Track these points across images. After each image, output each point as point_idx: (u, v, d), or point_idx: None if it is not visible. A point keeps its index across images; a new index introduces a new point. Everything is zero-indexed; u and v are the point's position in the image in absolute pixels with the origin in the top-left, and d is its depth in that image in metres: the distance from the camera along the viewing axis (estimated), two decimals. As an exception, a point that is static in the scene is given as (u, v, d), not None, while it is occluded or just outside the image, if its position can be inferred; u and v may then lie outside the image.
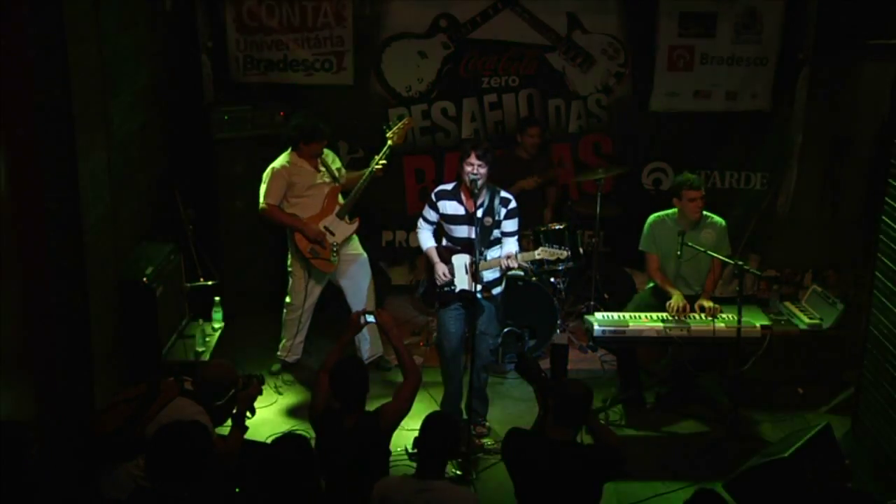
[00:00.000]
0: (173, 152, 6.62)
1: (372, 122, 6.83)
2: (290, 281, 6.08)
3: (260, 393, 4.49)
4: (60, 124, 4.45)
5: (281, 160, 5.88)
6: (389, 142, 5.86)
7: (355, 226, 6.03)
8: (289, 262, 6.06)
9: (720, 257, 5.65)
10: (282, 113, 6.70)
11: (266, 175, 5.86)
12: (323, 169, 5.95)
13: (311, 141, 5.82)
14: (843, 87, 7.09)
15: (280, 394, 5.98)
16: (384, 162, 5.84)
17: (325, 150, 6.00)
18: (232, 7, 6.93)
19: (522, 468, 4.02)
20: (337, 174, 6.03)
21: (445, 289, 5.25)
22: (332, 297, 6.33)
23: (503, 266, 5.15)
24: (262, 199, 5.85)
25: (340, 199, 6.00)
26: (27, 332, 4.38)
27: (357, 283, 6.12)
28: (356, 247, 6.12)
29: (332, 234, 5.93)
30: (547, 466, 3.93)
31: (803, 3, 6.95)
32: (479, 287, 5.05)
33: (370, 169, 5.84)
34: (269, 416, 5.69)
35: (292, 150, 5.89)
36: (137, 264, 5.45)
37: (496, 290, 5.35)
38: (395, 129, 5.90)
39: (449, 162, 7.22)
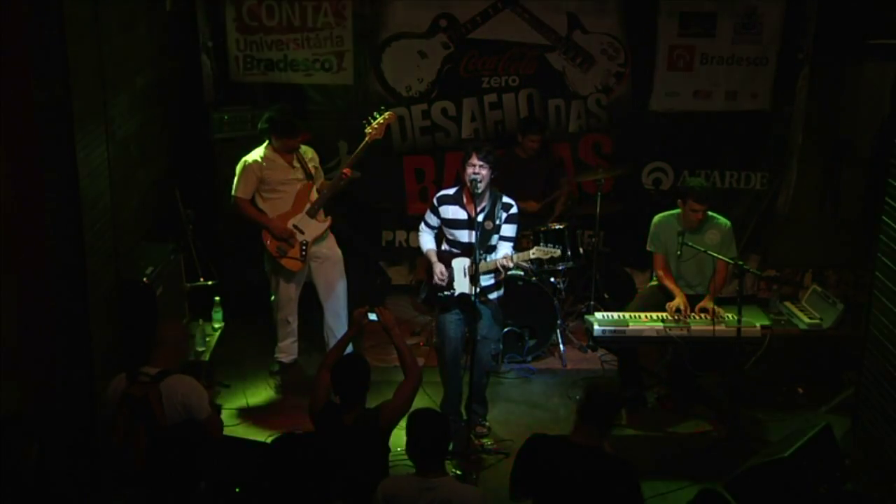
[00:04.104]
0: (173, 152, 6.63)
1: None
2: (270, 280, 6.07)
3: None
4: (60, 124, 4.45)
5: (254, 153, 5.83)
6: (367, 137, 5.79)
7: (326, 224, 5.96)
8: (265, 261, 6.03)
9: (720, 257, 5.65)
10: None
11: (238, 167, 5.83)
12: (297, 165, 5.89)
13: (283, 135, 5.77)
14: (843, 87, 7.09)
15: (278, 393, 5.99)
16: (353, 172, 5.80)
17: (305, 148, 5.95)
18: (232, 7, 6.93)
19: (542, 473, 3.88)
20: (313, 172, 5.97)
21: (445, 293, 5.24)
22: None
23: (500, 266, 5.13)
24: (233, 191, 5.83)
25: (315, 197, 5.92)
26: (27, 332, 4.38)
27: (330, 283, 6.07)
28: (331, 246, 6.06)
29: (302, 232, 5.88)
30: (569, 471, 3.80)
31: (803, 3, 6.95)
32: (477, 290, 5.04)
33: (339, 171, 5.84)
34: (268, 416, 5.69)
35: (267, 143, 5.85)
36: (137, 264, 5.45)
37: (494, 295, 5.34)
38: (374, 123, 5.81)
39: (449, 162, 7.22)
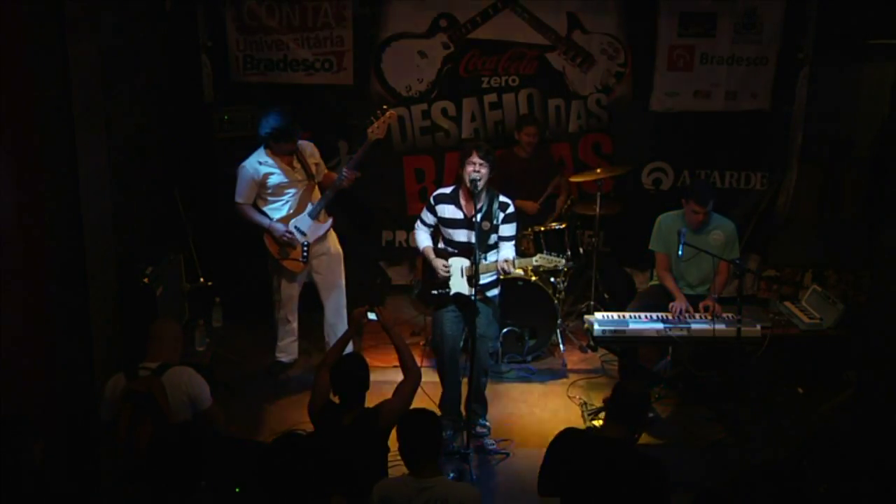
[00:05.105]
0: (173, 152, 6.62)
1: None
2: (272, 279, 6.07)
3: None
4: (60, 124, 4.45)
5: (252, 158, 5.81)
6: (369, 137, 5.76)
7: (328, 224, 5.96)
8: (268, 261, 6.03)
9: (720, 257, 5.64)
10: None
11: (238, 173, 5.82)
12: (298, 166, 5.86)
13: (279, 141, 5.74)
14: (843, 87, 7.09)
15: (278, 393, 5.99)
16: (355, 172, 5.79)
17: (305, 144, 5.92)
18: (232, 7, 6.93)
19: (572, 466, 3.84)
20: (314, 170, 5.95)
21: (441, 291, 5.24)
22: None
23: (500, 270, 5.14)
24: (235, 197, 5.82)
25: (317, 196, 5.92)
26: (27, 332, 4.38)
27: (331, 280, 6.07)
28: (332, 244, 6.06)
29: (303, 233, 5.88)
30: (599, 464, 3.76)
31: (803, 3, 6.95)
32: (474, 290, 5.03)
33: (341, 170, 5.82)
34: (268, 416, 5.69)
35: (264, 147, 5.82)
36: (137, 264, 5.45)
37: (492, 293, 5.34)
38: (376, 123, 5.77)
39: (449, 162, 7.22)
